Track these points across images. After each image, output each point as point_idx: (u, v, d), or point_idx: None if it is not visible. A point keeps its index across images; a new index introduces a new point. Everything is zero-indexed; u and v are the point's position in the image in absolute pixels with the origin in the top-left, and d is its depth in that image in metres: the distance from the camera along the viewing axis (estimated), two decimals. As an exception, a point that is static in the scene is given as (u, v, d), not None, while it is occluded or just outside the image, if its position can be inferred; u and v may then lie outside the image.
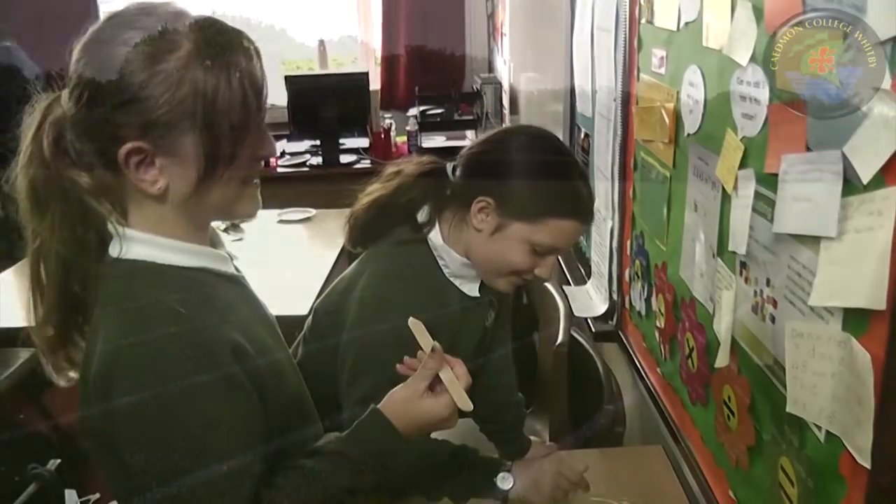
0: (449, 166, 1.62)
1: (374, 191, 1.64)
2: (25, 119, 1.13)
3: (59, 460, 1.96)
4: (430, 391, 1.23)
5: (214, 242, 1.25)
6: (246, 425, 1.11)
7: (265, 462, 1.14)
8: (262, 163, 1.22)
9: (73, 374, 1.22)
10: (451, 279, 1.61)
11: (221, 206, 1.17)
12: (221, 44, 1.08)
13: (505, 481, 1.57)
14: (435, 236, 1.60)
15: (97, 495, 3.32)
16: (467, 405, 1.24)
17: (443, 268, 1.61)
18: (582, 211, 1.55)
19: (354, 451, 1.19)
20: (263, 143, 1.17)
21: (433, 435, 1.65)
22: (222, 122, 1.08)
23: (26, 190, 1.11)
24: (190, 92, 1.05)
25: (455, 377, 1.24)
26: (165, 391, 1.04)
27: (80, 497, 3.21)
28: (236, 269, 1.27)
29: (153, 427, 1.06)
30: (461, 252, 1.60)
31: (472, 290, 1.63)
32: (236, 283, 1.26)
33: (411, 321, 1.30)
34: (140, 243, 1.14)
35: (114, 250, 1.14)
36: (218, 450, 1.07)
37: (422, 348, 1.28)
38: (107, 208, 1.13)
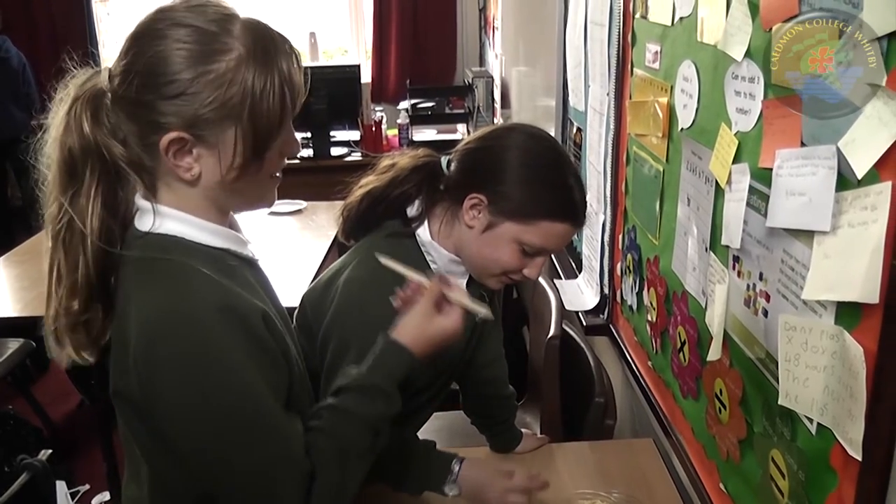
0: (444, 160, 1.62)
1: (367, 183, 1.64)
2: (59, 93, 1.18)
3: (49, 451, 1.96)
4: (437, 310, 1.32)
5: (233, 226, 1.30)
6: (279, 389, 1.19)
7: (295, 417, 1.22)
8: (285, 158, 1.27)
9: (87, 355, 1.25)
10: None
11: (246, 197, 1.25)
12: (270, 50, 1.15)
13: (451, 489, 1.59)
14: (423, 232, 1.60)
15: (87, 486, 3.32)
16: (482, 310, 1.35)
17: (430, 263, 1.60)
18: (574, 215, 1.54)
19: (379, 380, 1.25)
20: (291, 142, 1.24)
21: (424, 432, 1.67)
22: (263, 122, 1.14)
23: (60, 160, 1.16)
24: (238, 93, 1.12)
25: (460, 291, 1.35)
26: (210, 357, 1.10)
27: (69, 488, 3.21)
28: (252, 253, 1.32)
29: (199, 393, 1.10)
30: (450, 248, 1.59)
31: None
32: (254, 266, 1.32)
33: (381, 257, 1.38)
34: (172, 219, 1.19)
35: (143, 224, 1.19)
36: (261, 406, 1.14)
37: (407, 278, 1.37)
38: (138, 181, 1.19)
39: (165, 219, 1.18)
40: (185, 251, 1.17)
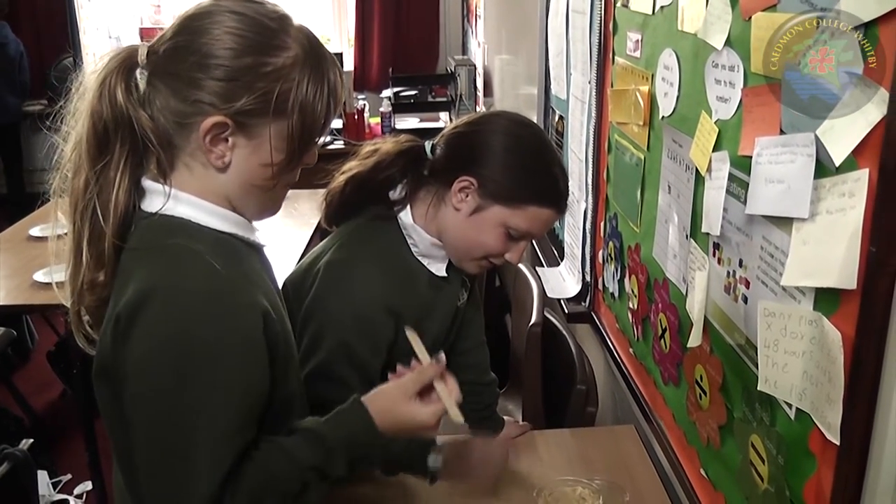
0: (427, 145, 1.62)
1: (350, 168, 1.64)
2: (97, 63, 1.17)
3: (31, 441, 1.95)
4: (420, 397, 1.26)
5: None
6: (248, 396, 1.14)
7: (252, 433, 1.16)
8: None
9: None
10: (419, 258, 1.62)
11: (262, 200, 1.24)
12: (321, 58, 1.18)
13: (435, 461, 1.58)
14: (405, 215, 1.61)
15: (69, 476, 3.31)
16: (460, 419, 1.26)
17: (411, 246, 1.61)
18: (560, 201, 1.58)
19: (330, 435, 1.20)
20: (315, 153, 1.24)
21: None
22: (309, 125, 1.16)
23: (91, 131, 1.14)
24: (291, 91, 1.13)
25: (449, 390, 1.27)
26: (185, 341, 1.07)
27: (51, 478, 3.20)
28: (259, 239, 1.31)
29: (163, 368, 1.08)
30: (433, 232, 1.60)
31: (439, 269, 1.64)
32: (260, 252, 1.31)
33: (408, 330, 1.33)
34: (183, 203, 1.17)
35: (151, 206, 1.17)
36: (217, 412, 1.10)
37: (415, 355, 1.31)
38: (160, 156, 1.16)
39: (177, 202, 1.16)
40: (191, 235, 1.15)
